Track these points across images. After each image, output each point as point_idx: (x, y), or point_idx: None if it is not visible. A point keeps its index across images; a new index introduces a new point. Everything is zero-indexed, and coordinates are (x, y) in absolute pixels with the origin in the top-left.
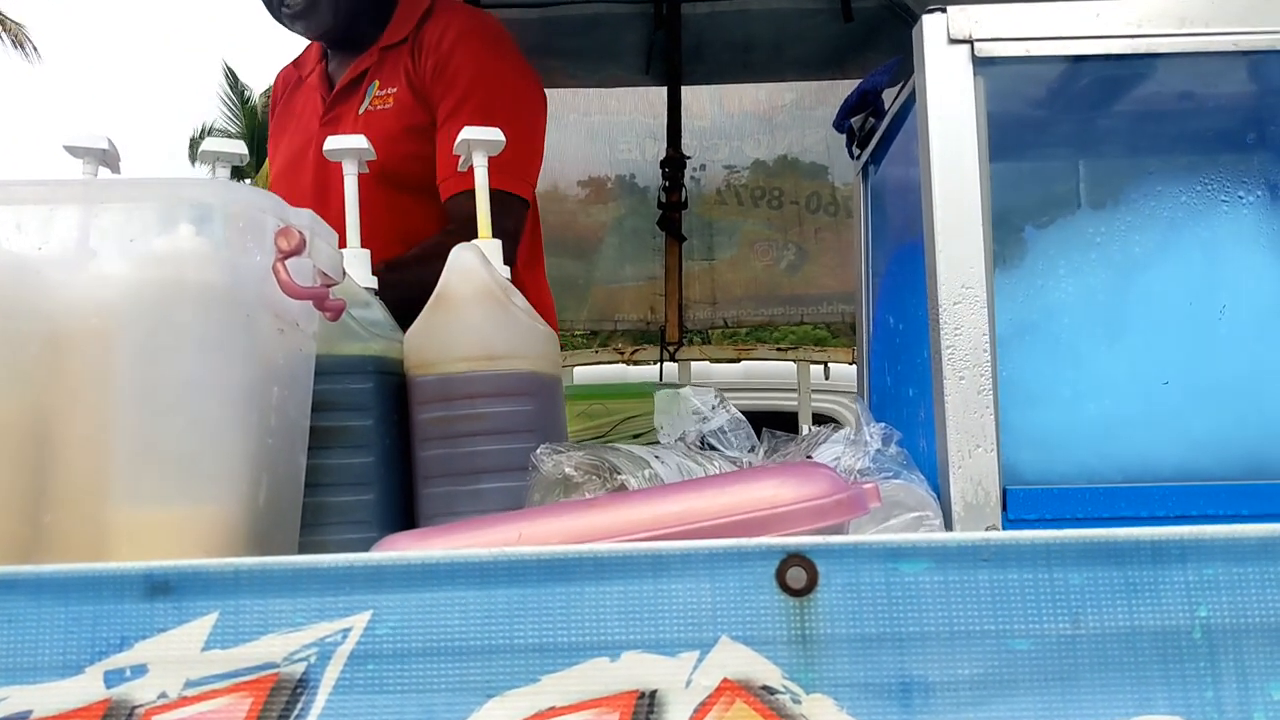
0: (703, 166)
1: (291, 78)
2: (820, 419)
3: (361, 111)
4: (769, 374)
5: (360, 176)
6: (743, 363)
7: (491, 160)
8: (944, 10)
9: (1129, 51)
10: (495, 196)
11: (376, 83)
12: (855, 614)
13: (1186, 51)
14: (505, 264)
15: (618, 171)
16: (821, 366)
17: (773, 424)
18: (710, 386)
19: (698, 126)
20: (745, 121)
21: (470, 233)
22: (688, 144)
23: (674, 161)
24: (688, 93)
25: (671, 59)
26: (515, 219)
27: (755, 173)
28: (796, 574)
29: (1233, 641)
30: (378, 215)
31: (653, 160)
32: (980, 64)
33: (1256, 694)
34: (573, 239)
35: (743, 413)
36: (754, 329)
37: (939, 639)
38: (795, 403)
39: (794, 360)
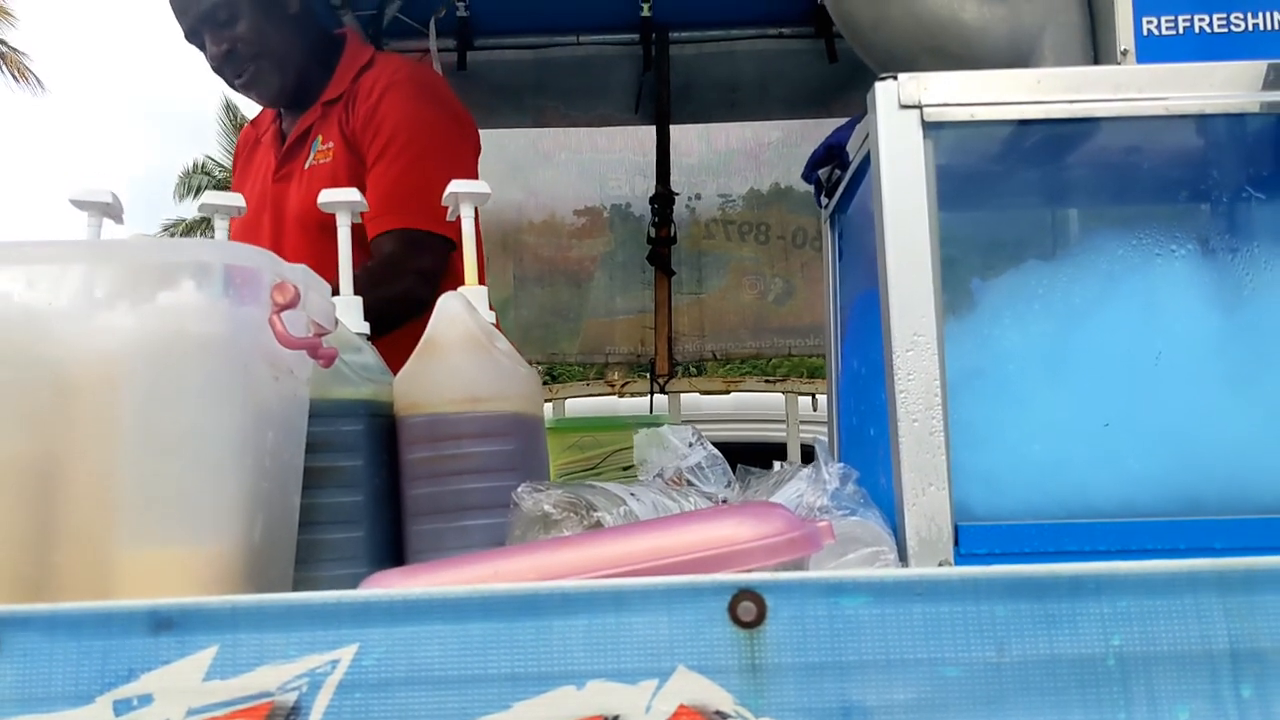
0: (693, 198)
1: (250, 138)
2: (809, 450)
3: (307, 166)
4: (758, 406)
5: (304, 225)
6: (732, 394)
7: (416, 202)
8: (895, 78)
9: (1067, 116)
10: (419, 236)
11: (320, 137)
12: (801, 644)
13: (1121, 116)
14: (425, 301)
15: (608, 207)
16: (809, 398)
17: (762, 456)
18: (695, 421)
19: (686, 163)
20: (732, 158)
21: (387, 270)
22: (676, 180)
23: (663, 198)
24: (676, 131)
25: (660, 98)
26: (436, 258)
27: (743, 208)
28: (747, 608)
29: (1143, 668)
30: (321, 263)
31: (642, 196)
32: (929, 127)
33: (1165, 717)
34: (565, 273)
35: (733, 445)
36: (746, 359)
37: (877, 667)
38: (784, 434)
39: (782, 392)
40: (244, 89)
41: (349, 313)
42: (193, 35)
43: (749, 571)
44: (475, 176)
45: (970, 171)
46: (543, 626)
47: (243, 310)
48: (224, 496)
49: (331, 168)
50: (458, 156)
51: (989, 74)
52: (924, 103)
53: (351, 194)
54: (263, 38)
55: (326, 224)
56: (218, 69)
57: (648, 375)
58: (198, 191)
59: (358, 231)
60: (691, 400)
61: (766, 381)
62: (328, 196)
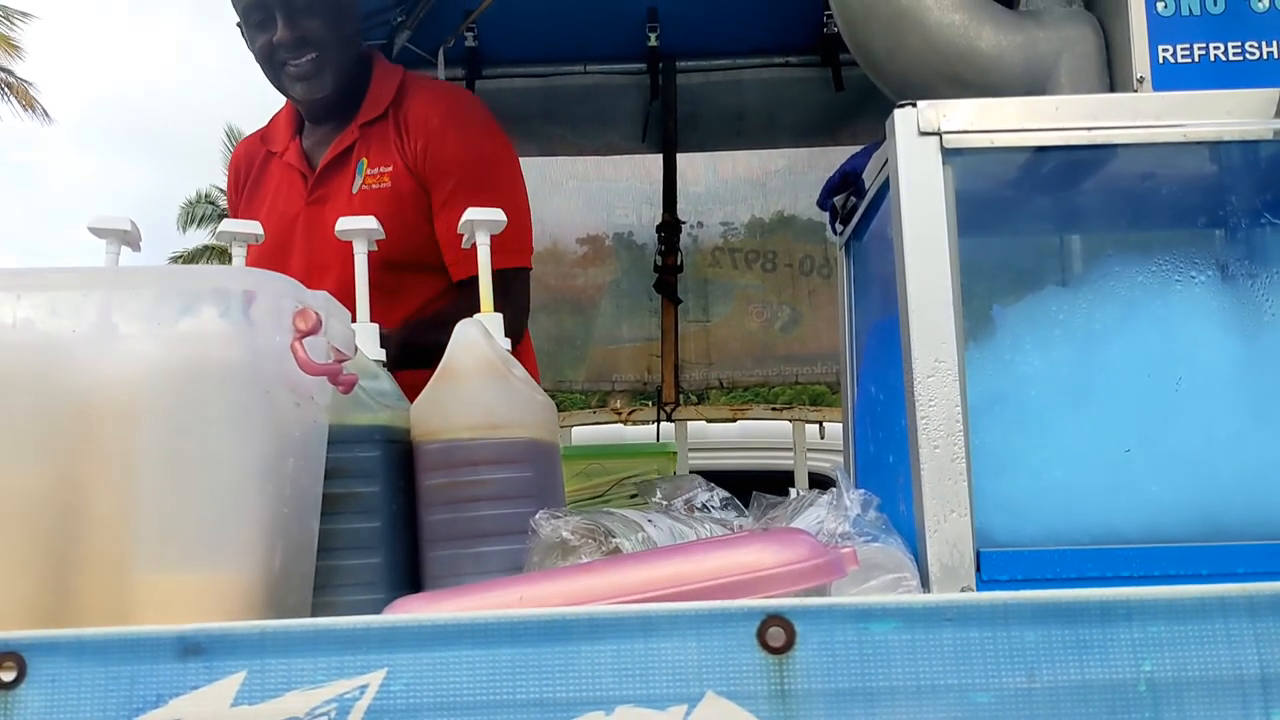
0: (697, 227)
1: (257, 153)
2: (816, 478)
3: (356, 190)
4: (765, 433)
5: (351, 254)
6: (739, 422)
7: (499, 241)
8: (914, 105)
9: (1086, 143)
10: (510, 275)
11: (365, 160)
12: (830, 670)
13: (1139, 143)
14: (514, 335)
15: (614, 236)
16: (817, 426)
17: (770, 484)
18: (701, 449)
19: (693, 192)
20: (739, 186)
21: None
22: (683, 209)
23: (669, 226)
24: (683, 159)
25: (667, 127)
26: (527, 291)
27: (749, 236)
28: (776, 633)
29: (1175, 694)
30: (374, 292)
31: (649, 225)
32: (948, 154)
33: None
34: (571, 301)
35: (740, 473)
36: (752, 387)
37: (906, 693)
38: (791, 462)
39: (789, 420)
40: (293, 80)
41: (366, 340)
42: (255, 10)
43: (776, 597)
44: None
45: (989, 197)
46: (571, 652)
47: (265, 337)
48: (245, 523)
49: (394, 194)
50: (520, 186)
51: (1007, 101)
52: (943, 129)
53: (369, 221)
54: (330, 37)
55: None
56: (270, 54)
57: (653, 403)
58: (202, 221)
59: (423, 268)
60: (698, 428)
61: (773, 409)
62: (346, 224)
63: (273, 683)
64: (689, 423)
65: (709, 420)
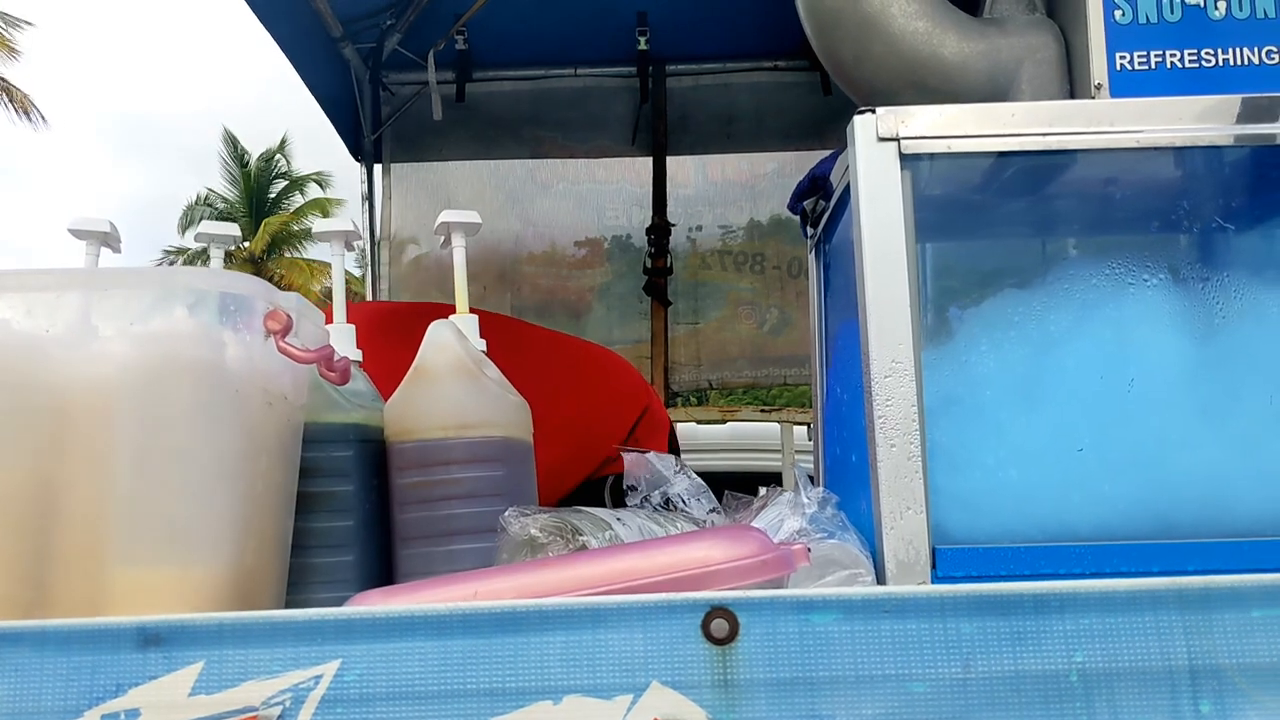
0: (691, 230)
1: None
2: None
3: None
4: (754, 435)
5: None
6: (728, 424)
7: None
8: (874, 111)
9: (1042, 148)
10: None
11: None
12: (772, 660)
13: (1094, 149)
14: None
15: (605, 238)
16: (805, 427)
17: (758, 484)
18: (691, 450)
19: (682, 195)
20: (728, 189)
21: None
22: (673, 211)
23: (659, 229)
24: (673, 162)
25: (656, 130)
26: None
27: (738, 239)
28: (720, 625)
29: (1105, 684)
30: None
31: (639, 227)
32: (906, 159)
33: None
34: (563, 303)
35: (729, 475)
36: (746, 390)
37: (846, 682)
38: (780, 463)
39: (777, 421)
40: None
41: (342, 341)
42: None
43: (722, 590)
44: None
45: (948, 202)
46: (521, 643)
47: (235, 336)
48: (215, 519)
49: None
50: None
51: (965, 108)
52: (902, 135)
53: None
54: None
55: None
56: None
57: None
58: (199, 223)
59: None
60: (688, 430)
61: (762, 410)
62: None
63: (230, 673)
64: (679, 424)
65: (698, 422)
